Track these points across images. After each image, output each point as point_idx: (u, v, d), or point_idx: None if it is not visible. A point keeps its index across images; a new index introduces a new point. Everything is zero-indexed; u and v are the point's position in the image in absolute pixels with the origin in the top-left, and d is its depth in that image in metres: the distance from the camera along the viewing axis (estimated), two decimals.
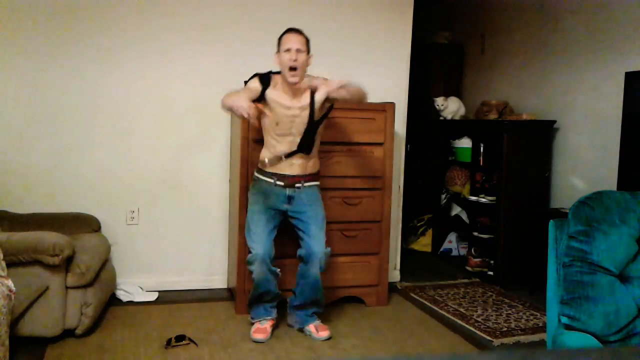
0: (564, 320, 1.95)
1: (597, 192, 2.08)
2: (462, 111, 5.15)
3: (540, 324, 3.53)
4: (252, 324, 3.26)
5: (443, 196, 5.35)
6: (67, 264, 2.97)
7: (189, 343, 3.04)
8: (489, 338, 3.31)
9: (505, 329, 3.47)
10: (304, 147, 3.12)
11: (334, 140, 3.61)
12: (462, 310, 3.77)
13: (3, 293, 2.35)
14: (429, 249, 5.48)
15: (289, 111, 3.07)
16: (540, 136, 4.48)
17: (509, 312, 3.77)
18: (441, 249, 5.38)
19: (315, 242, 3.17)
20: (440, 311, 3.74)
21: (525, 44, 4.87)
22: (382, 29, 4.23)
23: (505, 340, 3.30)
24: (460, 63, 5.79)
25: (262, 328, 3.21)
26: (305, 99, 3.08)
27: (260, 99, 3.08)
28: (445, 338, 3.32)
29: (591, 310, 1.89)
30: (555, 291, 2.07)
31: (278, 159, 3.12)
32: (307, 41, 3.06)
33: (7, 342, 2.37)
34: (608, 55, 4.03)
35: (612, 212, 1.99)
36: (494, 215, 4.56)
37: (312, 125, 3.10)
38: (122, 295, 3.72)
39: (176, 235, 3.98)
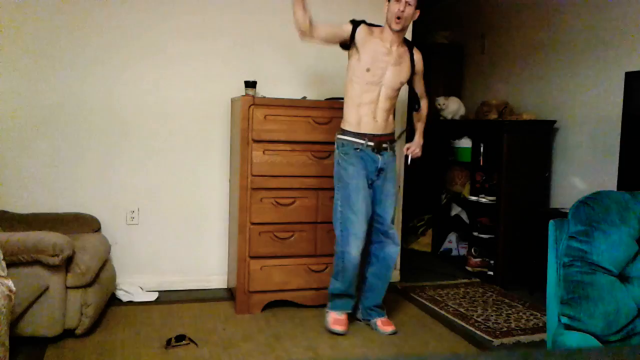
0: (564, 320, 1.95)
1: (597, 192, 2.08)
2: (462, 111, 5.15)
3: (540, 324, 3.53)
4: (328, 312, 3.35)
5: (443, 196, 5.35)
6: (67, 264, 2.97)
7: (189, 343, 3.04)
8: (489, 338, 3.31)
9: (505, 329, 3.46)
10: (413, 103, 3.38)
11: (333, 141, 3.60)
12: (462, 310, 3.77)
13: (3, 293, 2.35)
14: (429, 249, 5.48)
15: (386, 56, 3.19)
16: (540, 136, 4.48)
17: (509, 312, 3.77)
18: (441, 249, 5.38)
19: (391, 219, 3.33)
20: (440, 311, 3.74)
21: (525, 44, 4.87)
22: None
23: (505, 340, 3.29)
24: (460, 63, 5.79)
25: (340, 319, 3.30)
26: (405, 52, 3.24)
27: (350, 44, 3.20)
28: (445, 338, 3.32)
29: (591, 310, 1.89)
30: (555, 291, 2.07)
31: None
32: None
33: (7, 342, 2.37)
34: (608, 55, 4.03)
35: (612, 212, 1.99)
36: (494, 215, 4.56)
37: (412, 79, 3.30)
38: (122, 295, 3.72)
39: (176, 235, 3.98)
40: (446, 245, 5.37)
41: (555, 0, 4.54)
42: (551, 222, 2.12)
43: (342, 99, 3.49)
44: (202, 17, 3.92)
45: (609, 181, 3.83)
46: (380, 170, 3.28)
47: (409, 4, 3.13)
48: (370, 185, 3.28)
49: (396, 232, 3.42)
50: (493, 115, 4.71)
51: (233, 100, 3.84)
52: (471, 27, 5.63)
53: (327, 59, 4.12)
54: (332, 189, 3.58)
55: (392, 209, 3.35)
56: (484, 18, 5.45)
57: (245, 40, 4.00)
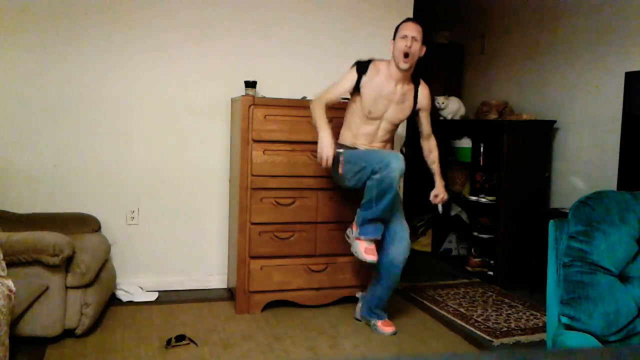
0: (564, 320, 1.95)
1: (597, 192, 2.08)
2: (462, 111, 5.15)
3: (540, 324, 3.53)
4: (357, 240, 3.15)
5: None
6: (67, 264, 2.97)
7: (189, 343, 3.04)
8: (489, 338, 3.31)
9: (505, 329, 3.47)
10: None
11: None
12: (462, 310, 3.77)
13: (3, 293, 2.35)
14: (429, 249, 5.48)
15: (390, 95, 3.18)
16: (540, 136, 4.48)
17: (509, 312, 3.77)
18: (441, 249, 5.38)
19: (398, 224, 3.22)
20: (440, 311, 3.74)
21: (525, 44, 4.87)
22: (382, 29, 4.22)
23: (505, 340, 3.30)
24: (460, 63, 5.79)
25: (371, 249, 3.14)
26: (410, 90, 3.22)
27: (356, 88, 3.19)
28: (445, 338, 3.32)
29: (591, 310, 1.89)
30: (555, 291, 2.07)
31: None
32: (424, 32, 3.15)
33: (7, 342, 2.37)
34: (608, 55, 4.03)
35: (612, 212, 1.99)
36: (494, 215, 4.56)
37: (413, 117, 3.27)
38: (122, 295, 3.72)
39: (176, 235, 3.98)
40: (446, 245, 5.37)
41: (555, 0, 4.54)
42: (551, 222, 2.12)
43: (342, 99, 3.49)
44: (202, 17, 3.92)
45: (609, 181, 3.83)
46: None
47: (416, 40, 3.10)
48: None
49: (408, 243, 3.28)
50: (493, 115, 4.71)
51: (233, 100, 3.84)
52: (471, 27, 5.63)
53: (327, 59, 4.12)
54: (332, 189, 3.60)
55: (398, 214, 3.28)
56: (484, 18, 5.45)
57: (245, 40, 4.00)
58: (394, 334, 3.32)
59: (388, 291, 3.36)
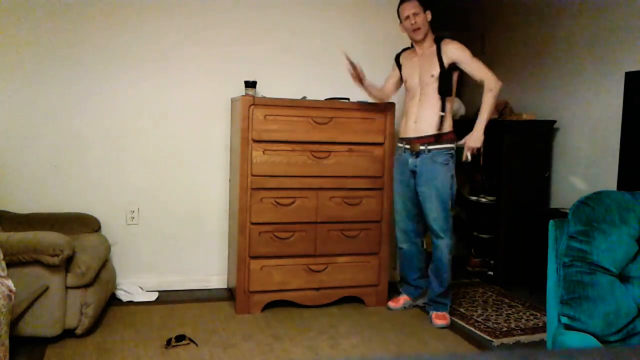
0: (564, 320, 1.95)
1: (597, 192, 2.08)
2: (462, 111, 5.14)
3: (540, 324, 3.53)
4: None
5: None
6: (67, 264, 2.97)
7: (189, 343, 3.04)
8: (489, 338, 3.31)
9: (505, 329, 3.47)
10: (441, 88, 3.40)
11: (334, 140, 3.61)
12: (462, 310, 3.77)
13: (3, 293, 2.35)
14: (429, 248, 5.47)
15: (417, 62, 3.47)
16: (540, 136, 4.48)
17: (509, 312, 3.77)
18: None
19: (431, 221, 3.49)
20: None
21: (525, 44, 4.87)
22: (382, 29, 4.22)
23: (505, 340, 3.30)
24: None
25: (395, 298, 3.73)
26: (433, 51, 3.43)
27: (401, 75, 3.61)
28: (445, 338, 3.32)
29: (591, 310, 1.89)
30: (555, 291, 2.07)
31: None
32: (420, 2, 3.40)
33: (7, 342, 2.37)
34: (608, 55, 4.03)
35: (612, 212, 1.98)
36: (494, 215, 4.55)
37: (444, 71, 3.38)
38: (122, 295, 3.72)
39: (176, 235, 3.98)
40: None
41: (555, 0, 4.54)
42: (551, 222, 2.12)
43: (342, 99, 3.51)
44: (202, 18, 3.92)
45: (609, 181, 3.83)
46: (413, 173, 3.45)
47: (416, 14, 3.37)
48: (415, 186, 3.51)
49: (440, 232, 3.50)
50: (493, 115, 4.70)
51: (233, 100, 3.84)
52: (471, 27, 5.63)
53: (327, 59, 4.12)
54: (332, 189, 3.62)
55: (431, 211, 3.44)
56: (484, 18, 5.45)
57: (245, 40, 4.00)
58: (443, 327, 3.44)
59: (438, 282, 3.57)
